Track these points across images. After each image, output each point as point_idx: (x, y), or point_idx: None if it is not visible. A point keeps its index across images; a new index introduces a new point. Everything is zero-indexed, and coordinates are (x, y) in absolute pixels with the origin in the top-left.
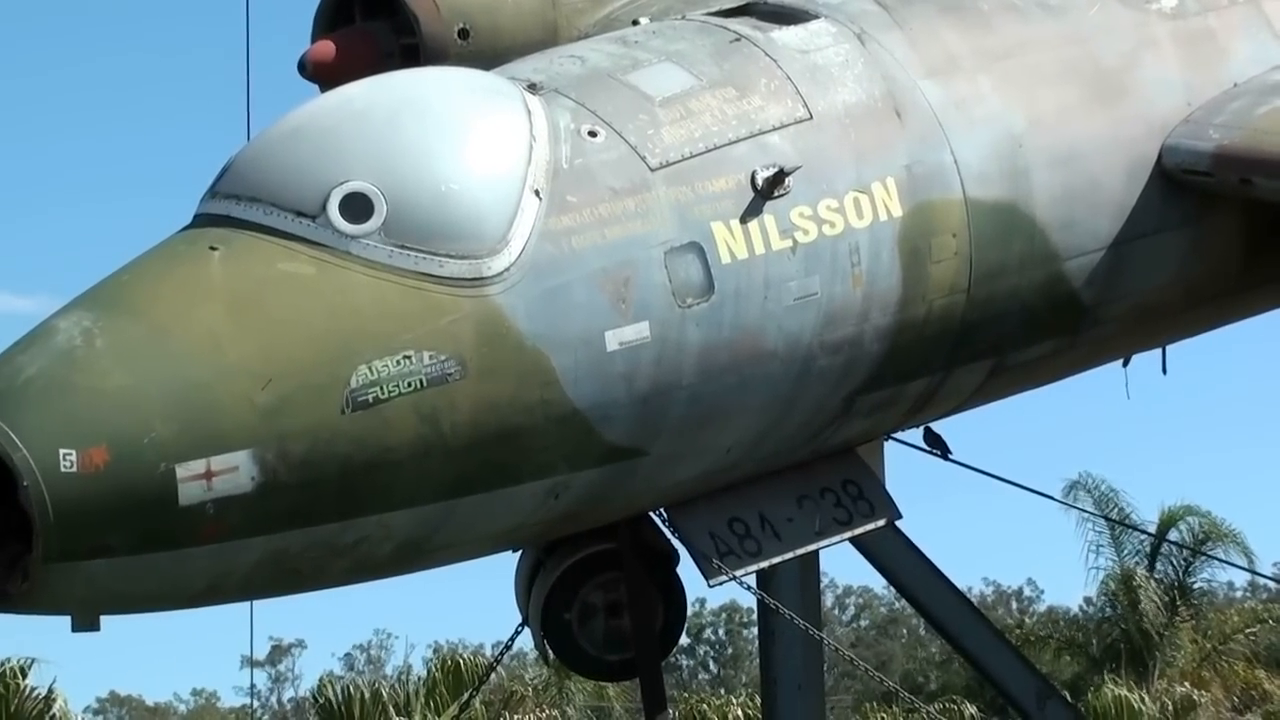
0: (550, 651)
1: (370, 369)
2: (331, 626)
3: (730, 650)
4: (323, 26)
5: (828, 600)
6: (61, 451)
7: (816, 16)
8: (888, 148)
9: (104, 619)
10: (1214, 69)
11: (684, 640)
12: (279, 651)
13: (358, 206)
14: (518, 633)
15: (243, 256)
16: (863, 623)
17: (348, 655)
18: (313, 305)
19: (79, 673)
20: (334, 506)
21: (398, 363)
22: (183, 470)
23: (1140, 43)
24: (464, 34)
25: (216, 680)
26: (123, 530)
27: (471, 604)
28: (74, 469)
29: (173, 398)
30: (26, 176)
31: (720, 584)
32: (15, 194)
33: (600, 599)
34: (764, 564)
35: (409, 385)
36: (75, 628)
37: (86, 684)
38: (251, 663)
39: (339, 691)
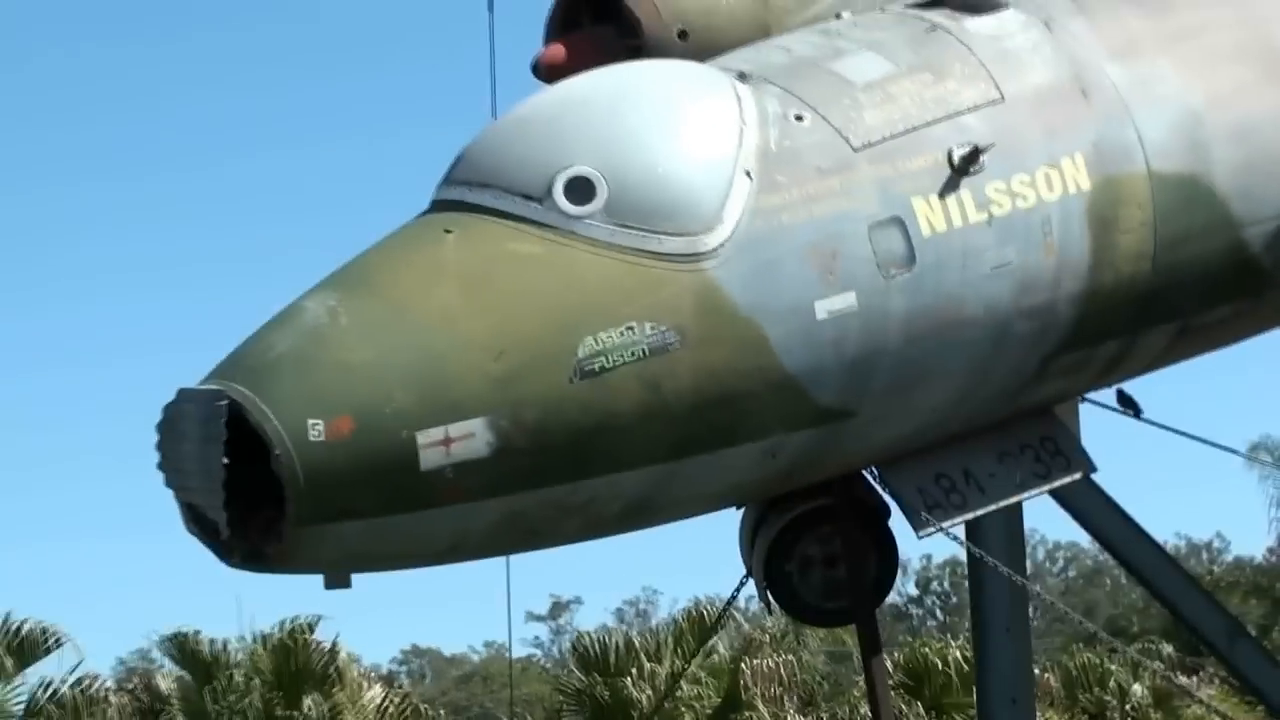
0: (772, 600)
1: (596, 340)
2: (606, 584)
3: (955, 600)
4: (554, 31)
5: (1039, 554)
6: (310, 421)
7: (1006, 6)
8: (1075, 125)
9: (374, 578)
10: None
11: (914, 591)
12: (559, 607)
13: (581, 189)
14: (742, 584)
15: (475, 238)
16: (1070, 574)
17: (619, 610)
18: (541, 281)
19: (381, 628)
20: (565, 469)
21: (621, 334)
22: (423, 437)
23: None
24: (683, 35)
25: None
26: (368, 494)
27: (729, 561)
28: (321, 437)
29: (412, 370)
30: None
31: (929, 535)
32: None
33: (818, 551)
34: (969, 516)
35: (632, 354)
36: (327, 585)
37: (391, 639)
38: (509, 617)
39: (595, 640)
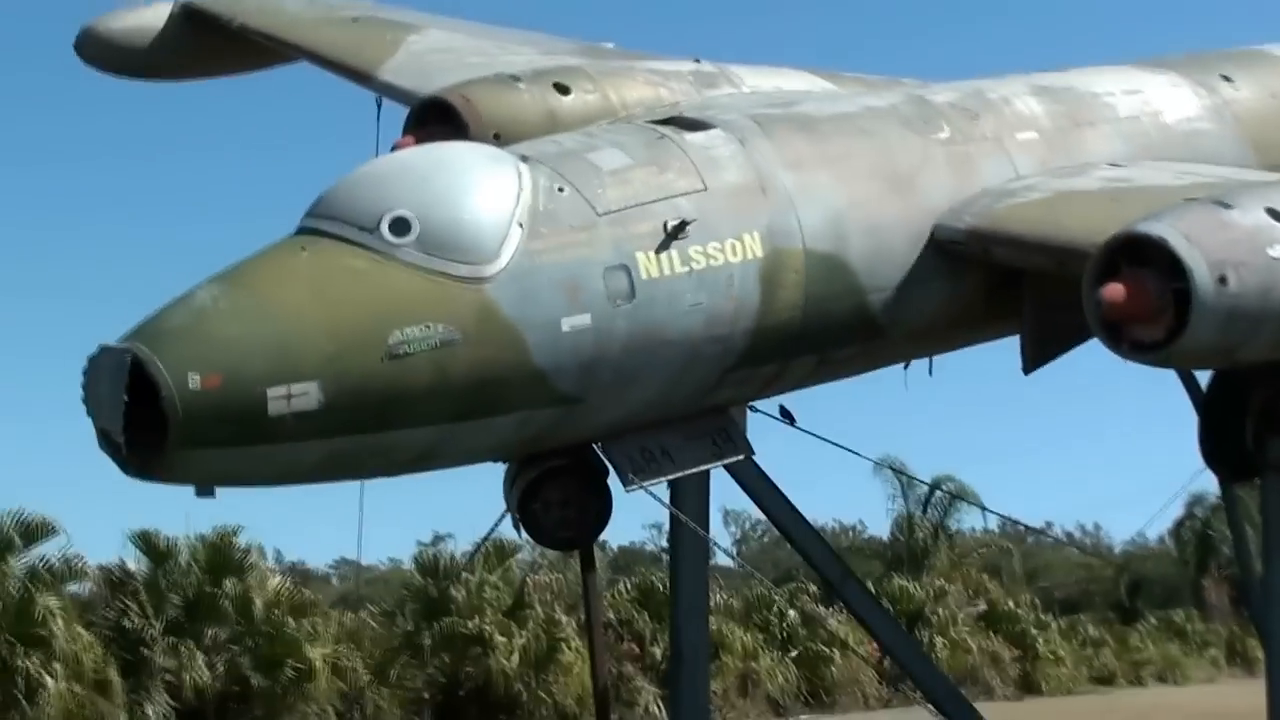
0: (524, 530)
1: (402, 332)
2: (476, 525)
3: None
4: (410, 127)
5: (747, 524)
6: (190, 374)
7: (715, 127)
8: (756, 212)
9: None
10: (970, 178)
11: (666, 542)
12: (439, 539)
13: (401, 226)
14: (502, 518)
15: (322, 254)
16: (765, 539)
17: (474, 542)
18: (366, 287)
19: (321, 541)
20: (374, 422)
21: (421, 329)
22: (271, 392)
23: (924, 158)
24: (497, 137)
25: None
26: (229, 430)
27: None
28: (199, 387)
29: (268, 344)
30: None
31: (633, 490)
32: None
33: (557, 497)
34: (662, 479)
35: (427, 345)
36: (197, 494)
37: (326, 550)
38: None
39: (430, 555)
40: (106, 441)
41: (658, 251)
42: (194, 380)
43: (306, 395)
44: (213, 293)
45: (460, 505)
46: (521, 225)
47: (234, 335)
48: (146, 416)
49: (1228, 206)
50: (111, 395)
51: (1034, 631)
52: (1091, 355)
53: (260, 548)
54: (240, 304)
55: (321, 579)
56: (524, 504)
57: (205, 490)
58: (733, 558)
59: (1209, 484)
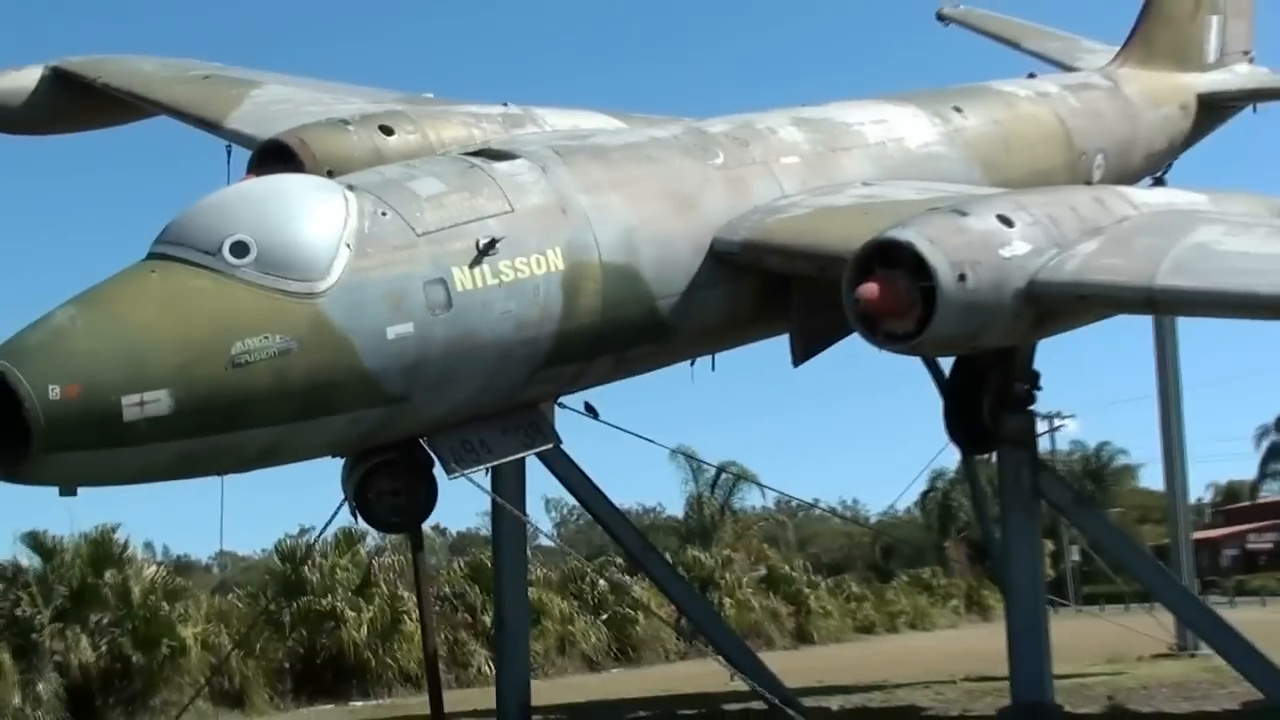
0: (360, 517)
1: (244, 343)
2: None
3: None
4: (251, 167)
5: (573, 513)
6: (51, 386)
7: (520, 156)
8: (557, 229)
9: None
10: (743, 197)
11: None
12: (303, 531)
13: (240, 248)
14: (341, 507)
15: (170, 276)
16: (583, 522)
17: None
18: (211, 304)
19: (205, 539)
20: (220, 424)
21: (261, 340)
22: (126, 400)
23: (703, 180)
24: (330, 174)
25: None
26: (88, 435)
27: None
28: (59, 397)
29: (122, 356)
30: None
31: (456, 478)
32: None
33: (389, 486)
34: (481, 467)
35: (267, 354)
36: (60, 494)
37: (209, 544)
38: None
39: (289, 542)
40: None
41: (471, 266)
42: (54, 391)
43: (158, 401)
44: (70, 313)
45: (325, 500)
46: (349, 245)
47: (90, 349)
48: (11, 426)
49: (964, 214)
50: None
51: (806, 591)
52: (851, 350)
53: (145, 543)
54: (95, 322)
55: (203, 569)
56: (360, 493)
57: (69, 491)
58: (549, 536)
59: (948, 461)
